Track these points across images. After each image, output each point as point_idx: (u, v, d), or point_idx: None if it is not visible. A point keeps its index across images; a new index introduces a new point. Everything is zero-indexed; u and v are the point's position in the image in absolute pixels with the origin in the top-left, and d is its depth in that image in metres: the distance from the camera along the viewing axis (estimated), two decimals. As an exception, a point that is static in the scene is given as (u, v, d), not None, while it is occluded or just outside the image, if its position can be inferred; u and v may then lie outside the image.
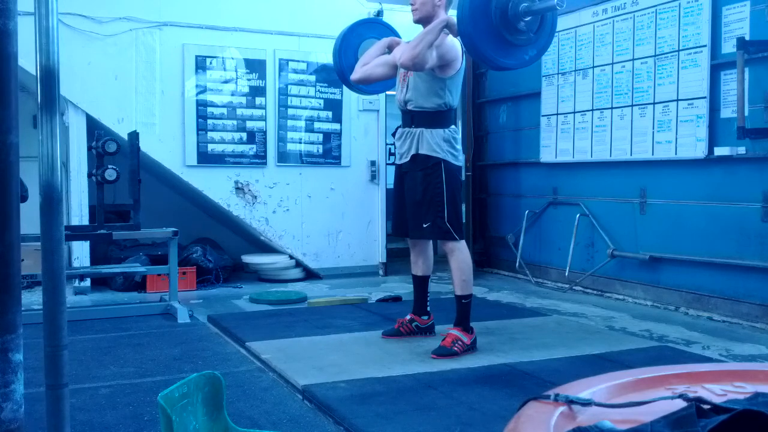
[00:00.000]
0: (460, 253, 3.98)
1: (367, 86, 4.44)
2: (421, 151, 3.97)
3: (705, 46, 5.00)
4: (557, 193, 6.51)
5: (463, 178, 4.23)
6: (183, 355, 4.01)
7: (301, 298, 5.73)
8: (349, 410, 2.96)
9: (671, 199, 5.36)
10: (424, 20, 3.96)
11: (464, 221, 4.16)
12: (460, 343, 3.88)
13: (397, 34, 4.53)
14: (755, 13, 4.71)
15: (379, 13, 6.98)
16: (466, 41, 3.59)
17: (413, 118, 4.03)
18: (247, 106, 6.64)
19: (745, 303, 4.82)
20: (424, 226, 3.98)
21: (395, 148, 4.24)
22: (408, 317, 4.30)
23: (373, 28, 4.70)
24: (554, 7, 3.49)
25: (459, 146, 4.06)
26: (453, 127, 4.05)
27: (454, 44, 3.91)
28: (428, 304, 4.34)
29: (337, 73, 4.70)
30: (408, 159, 4.04)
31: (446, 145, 3.96)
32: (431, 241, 4.32)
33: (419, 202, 3.99)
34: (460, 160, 4.06)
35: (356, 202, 7.08)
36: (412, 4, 3.99)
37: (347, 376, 3.45)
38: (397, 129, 4.19)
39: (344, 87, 6.89)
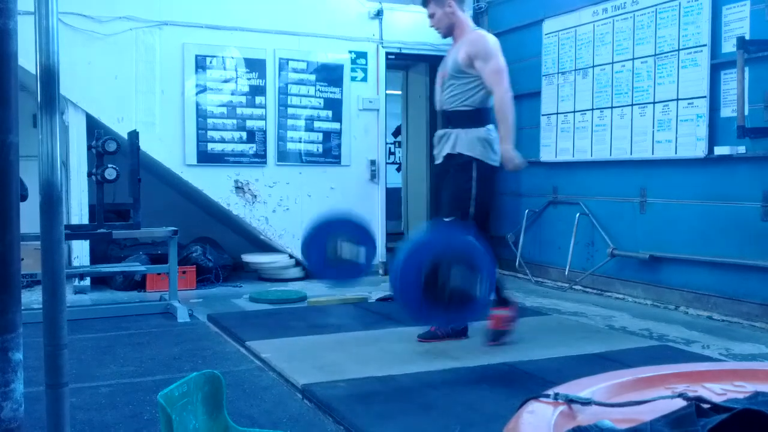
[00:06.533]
0: None
1: None
2: (454, 151, 4.01)
3: (705, 45, 5.00)
4: (557, 192, 6.50)
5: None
6: (183, 354, 4.01)
7: (301, 298, 5.72)
8: (349, 409, 2.96)
9: (671, 198, 5.35)
10: (449, 33, 4.15)
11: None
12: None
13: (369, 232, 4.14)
14: (755, 13, 4.70)
15: (379, 12, 6.98)
16: None
17: (449, 119, 4.09)
18: (247, 105, 6.63)
19: (745, 302, 4.81)
20: (446, 220, 4.00)
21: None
22: None
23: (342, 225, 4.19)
24: None
25: (497, 147, 4.02)
26: (490, 126, 4.05)
27: (490, 40, 4.04)
28: None
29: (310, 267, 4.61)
30: (442, 159, 4.10)
31: (480, 144, 3.98)
32: None
33: (449, 198, 4.04)
34: (495, 160, 4.02)
35: (356, 202, 7.06)
36: (432, 26, 4.16)
37: (347, 375, 3.45)
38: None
39: (344, 86, 6.95)
